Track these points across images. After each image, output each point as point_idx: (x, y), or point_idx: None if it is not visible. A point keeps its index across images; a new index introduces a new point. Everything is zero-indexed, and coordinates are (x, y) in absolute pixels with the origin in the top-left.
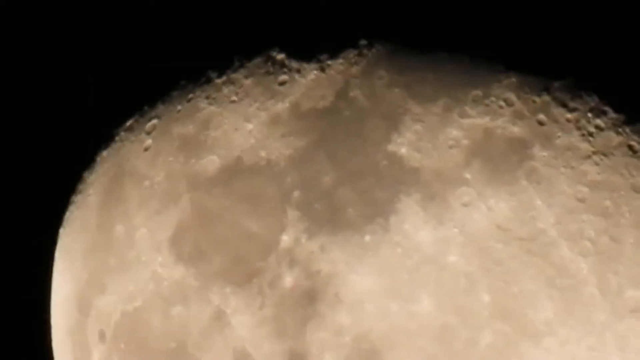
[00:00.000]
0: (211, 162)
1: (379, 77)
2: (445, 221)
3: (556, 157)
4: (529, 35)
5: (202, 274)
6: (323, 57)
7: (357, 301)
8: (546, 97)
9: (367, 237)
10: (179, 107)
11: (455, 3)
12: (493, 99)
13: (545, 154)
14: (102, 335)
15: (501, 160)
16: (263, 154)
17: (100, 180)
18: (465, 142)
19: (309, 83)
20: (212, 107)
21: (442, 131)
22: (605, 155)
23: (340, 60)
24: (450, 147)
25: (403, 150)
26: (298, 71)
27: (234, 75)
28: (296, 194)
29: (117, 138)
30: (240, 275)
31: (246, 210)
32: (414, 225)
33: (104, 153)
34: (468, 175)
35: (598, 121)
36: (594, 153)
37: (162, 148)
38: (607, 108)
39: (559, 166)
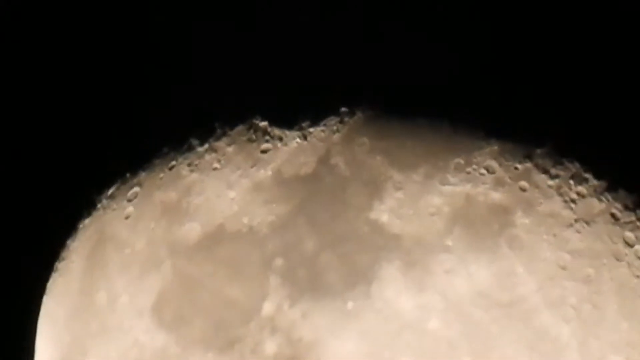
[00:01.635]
0: (193, 229)
1: (360, 144)
2: (426, 287)
3: (538, 224)
4: (510, 103)
5: (184, 340)
6: (305, 124)
7: None
8: (528, 164)
9: (349, 304)
10: (161, 175)
11: (436, 70)
12: (475, 166)
13: (527, 220)
14: None
15: (482, 227)
16: (245, 220)
17: (83, 246)
18: (446, 209)
19: (291, 150)
20: (195, 175)
21: (423, 198)
22: (587, 222)
23: (322, 127)
24: (432, 214)
25: (384, 217)
26: (280, 139)
27: (216, 143)
28: (278, 260)
29: (99, 205)
30: (222, 342)
31: (228, 277)
32: (395, 291)
33: (86, 220)
34: (449, 242)
35: (580, 188)
36: (576, 220)
37: (143, 215)
38: (588, 175)
39: (541, 233)
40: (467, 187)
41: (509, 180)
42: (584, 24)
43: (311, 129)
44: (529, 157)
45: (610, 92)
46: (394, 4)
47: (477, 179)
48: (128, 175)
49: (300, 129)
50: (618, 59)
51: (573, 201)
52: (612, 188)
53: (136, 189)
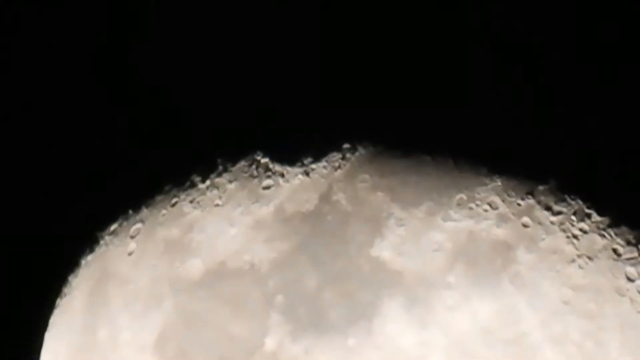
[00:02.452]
0: (195, 266)
1: (362, 181)
2: (428, 324)
3: (541, 260)
4: (513, 140)
5: None
6: (307, 160)
7: None
8: (530, 201)
9: (351, 340)
10: (164, 212)
11: (439, 106)
12: (478, 202)
13: (529, 256)
14: None
15: (485, 263)
16: (247, 257)
17: (85, 283)
18: (448, 245)
19: (293, 187)
20: (197, 211)
21: (426, 235)
22: (589, 258)
23: (324, 164)
24: (434, 250)
25: (386, 254)
26: (282, 175)
27: (218, 180)
28: (279, 297)
29: (101, 242)
30: None
31: (230, 313)
32: (397, 327)
33: (89, 257)
34: (451, 279)
35: (582, 224)
36: (579, 256)
37: (146, 251)
38: (591, 211)
39: (544, 269)
40: (470, 223)
41: (511, 217)
42: (574, 64)
43: (313, 166)
44: (531, 193)
45: (612, 129)
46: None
47: (479, 215)
48: (130, 212)
49: (302, 165)
50: (618, 98)
51: (575, 237)
52: (614, 224)
53: (139, 225)
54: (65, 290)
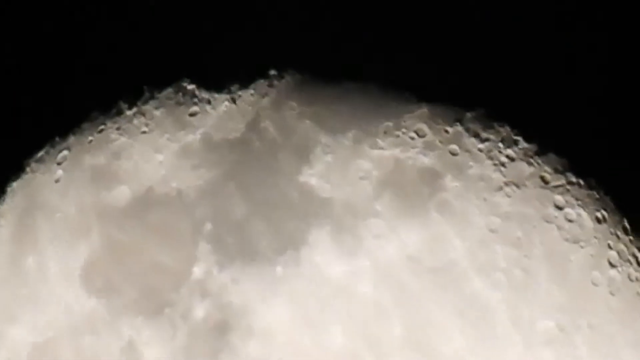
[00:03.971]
0: (122, 193)
1: (289, 109)
2: (356, 253)
3: (468, 188)
4: (442, 67)
5: (114, 306)
6: (234, 87)
7: (268, 332)
8: (458, 128)
9: (279, 269)
10: (90, 138)
11: (366, 34)
12: (404, 130)
13: (457, 184)
14: None
15: (412, 191)
16: (174, 185)
17: (11, 211)
18: (375, 173)
19: (220, 114)
20: (123, 138)
21: (353, 163)
22: (517, 186)
23: (251, 91)
24: (361, 178)
25: (314, 182)
26: (209, 102)
27: (144, 107)
28: (207, 226)
29: (27, 169)
30: (152, 307)
31: (157, 242)
32: (324, 256)
33: (15, 184)
34: (379, 207)
35: (510, 151)
36: (506, 184)
37: (73, 179)
38: (518, 138)
39: (471, 197)
40: (397, 151)
41: (439, 144)
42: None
43: (240, 93)
44: (459, 120)
45: (541, 57)
46: None
47: (406, 143)
48: (57, 139)
49: (229, 92)
50: (546, 27)
51: (503, 165)
52: (542, 152)
53: (65, 152)
54: None
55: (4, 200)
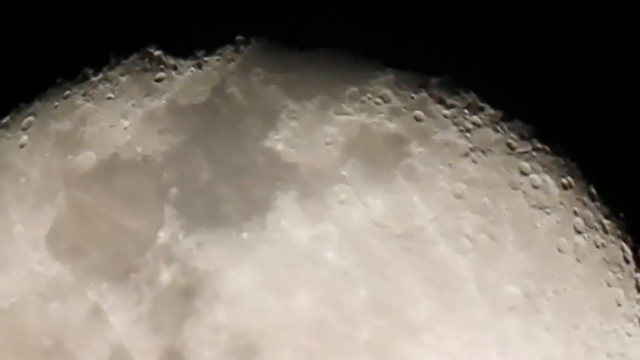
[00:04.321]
0: (88, 159)
1: (255, 74)
2: (322, 218)
3: (434, 154)
4: (407, 32)
5: (79, 270)
6: (200, 53)
7: (234, 298)
8: (423, 94)
9: (245, 234)
10: (56, 104)
11: (333, 0)
12: (370, 95)
13: (422, 150)
14: None
15: (378, 157)
16: (140, 150)
17: None
18: (341, 139)
19: (186, 80)
20: (89, 104)
21: (319, 128)
22: (483, 152)
23: (217, 57)
24: (327, 144)
25: (279, 147)
26: (175, 68)
27: (110, 73)
28: (173, 190)
29: None
30: (117, 272)
31: (123, 207)
32: (291, 221)
33: None
34: (345, 173)
35: (475, 118)
36: (472, 150)
37: (38, 144)
38: (484, 104)
39: (437, 163)
40: (362, 117)
41: (404, 110)
42: None
43: (206, 58)
44: (424, 86)
45: (507, 22)
46: None
47: (372, 109)
48: (22, 104)
49: (195, 58)
50: None
51: (468, 131)
52: (507, 118)
53: (31, 118)
54: None
55: None
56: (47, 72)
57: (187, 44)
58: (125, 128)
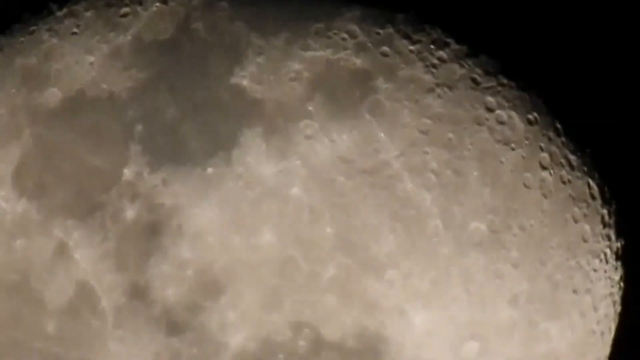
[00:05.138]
0: (53, 95)
1: (220, 10)
2: (287, 154)
3: (399, 89)
4: None
5: (45, 208)
6: None
7: (199, 234)
8: (390, 29)
9: (209, 170)
10: (22, 39)
11: None
12: (336, 31)
13: (388, 86)
14: None
15: (344, 93)
16: (105, 86)
17: None
18: (307, 74)
19: (151, 15)
20: (54, 40)
21: (284, 64)
22: (448, 87)
23: None
24: (292, 79)
25: (245, 83)
26: (140, 3)
27: (74, 7)
28: (138, 127)
29: None
30: (83, 209)
31: (88, 144)
32: (256, 158)
33: None
34: (310, 108)
35: (441, 53)
36: (437, 85)
37: (4, 80)
38: (449, 40)
39: (402, 99)
40: (328, 53)
41: (370, 46)
42: None
43: None
44: (390, 22)
45: None
46: None
47: (338, 44)
48: None
49: None
50: None
51: (434, 66)
52: (473, 53)
53: None
54: None
55: None
56: (12, 8)
57: None
58: (91, 64)
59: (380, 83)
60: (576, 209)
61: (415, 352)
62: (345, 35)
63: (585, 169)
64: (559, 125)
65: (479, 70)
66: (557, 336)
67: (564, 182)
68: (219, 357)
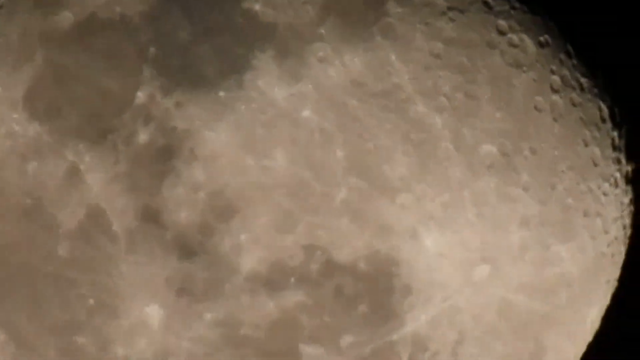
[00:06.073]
0: (66, 19)
1: None
2: (300, 77)
3: (412, 13)
4: None
5: (57, 131)
6: None
7: (212, 157)
8: None
9: (222, 93)
10: None
11: None
12: None
13: (401, 10)
14: None
15: (356, 16)
16: (117, 9)
17: None
18: None
19: None
20: None
21: None
22: (461, 11)
23: None
24: (305, 2)
25: (257, 7)
26: None
27: None
28: (152, 50)
29: None
30: (95, 132)
31: (101, 67)
32: (268, 81)
33: None
34: (323, 31)
35: None
36: (450, 9)
37: (16, 4)
38: None
39: (415, 22)
40: None
41: None
42: None
43: None
44: None
45: None
46: None
47: None
48: None
49: None
50: None
51: None
52: None
53: None
54: None
55: None
56: None
57: None
58: None
59: (393, 6)
60: (587, 132)
61: (427, 274)
62: None
63: (596, 91)
64: (570, 48)
65: None
66: (568, 258)
67: (574, 105)
68: (231, 280)
